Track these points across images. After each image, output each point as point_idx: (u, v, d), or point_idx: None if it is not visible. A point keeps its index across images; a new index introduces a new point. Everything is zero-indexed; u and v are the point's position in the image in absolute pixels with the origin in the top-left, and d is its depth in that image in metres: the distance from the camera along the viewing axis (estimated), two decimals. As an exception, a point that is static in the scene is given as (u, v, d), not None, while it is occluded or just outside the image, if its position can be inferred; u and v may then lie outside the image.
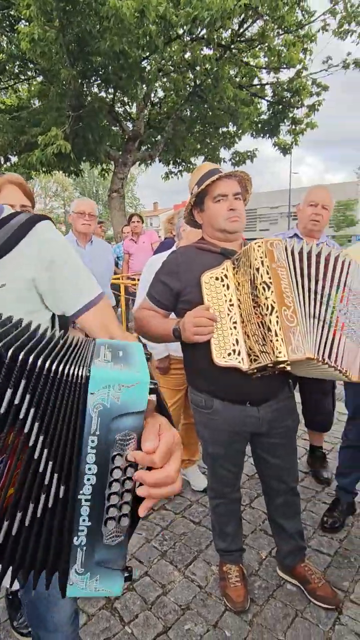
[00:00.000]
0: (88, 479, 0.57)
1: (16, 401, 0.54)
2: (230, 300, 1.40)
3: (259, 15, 8.02)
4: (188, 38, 7.89)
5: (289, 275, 1.29)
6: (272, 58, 8.86)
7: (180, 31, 5.99)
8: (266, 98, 10.25)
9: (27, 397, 0.54)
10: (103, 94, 8.89)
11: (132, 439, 0.58)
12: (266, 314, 1.25)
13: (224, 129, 10.54)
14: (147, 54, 7.16)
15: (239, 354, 1.35)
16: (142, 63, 7.82)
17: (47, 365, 0.56)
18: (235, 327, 1.37)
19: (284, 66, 9.07)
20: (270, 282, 1.25)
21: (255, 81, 10.12)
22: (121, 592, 0.60)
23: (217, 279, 1.44)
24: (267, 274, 1.26)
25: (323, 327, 1.28)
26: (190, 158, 11.45)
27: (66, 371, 0.56)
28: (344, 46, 9.28)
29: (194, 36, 7.26)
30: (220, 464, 1.74)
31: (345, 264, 1.35)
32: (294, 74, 9.49)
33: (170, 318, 1.60)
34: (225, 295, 1.41)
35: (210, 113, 9.45)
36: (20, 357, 0.54)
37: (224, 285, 1.42)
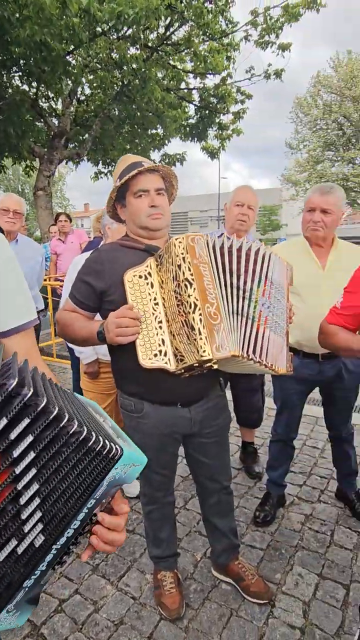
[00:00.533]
0: (68, 532, 0.58)
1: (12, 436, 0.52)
2: (155, 299, 1.35)
3: (184, 20, 8.13)
4: (114, 36, 7.77)
5: (211, 271, 1.27)
6: (198, 63, 9.03)
7: (106, 27, 5.85)
8: (193, 102, 10.42)
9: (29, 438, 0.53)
10: (26, 87, 8.44)
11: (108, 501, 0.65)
12: (189, 312, 1.21)
13: (153, 131, 10.53)
14: (72, 47, 6.91)
15: (165, 355, 1.31)
16: (67, 57, 7.54)
17: (91, 434, 0.56)
18: (160, 327, 1.33)
19: (210, 72, 9.29)
20: (193, 279, 1.22)
21: (183, 85, 10.25)
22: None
23: (140, 277, 1.38)
24: (189, 270, 1.23)
25: (246, 322, 1.28)
26: (119, 158, 11.27)
27: (101, 442, 0.57)
28: (266, 57, 9.74)
29: (120, 34, 7.16)
30: (152, 469, 1.68)
31: (265, 257, 1.37)
32: (220, 80, 9.75)
33: (95, 320, 1.51)
34: (149, 294, 1.36)
35: (139, 114, 9.39)
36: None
37: (148, 284, 1.37)
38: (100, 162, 11.36)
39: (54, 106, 10.16)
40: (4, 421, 0.50)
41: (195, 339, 1.19)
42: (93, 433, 0.56)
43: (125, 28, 6.32)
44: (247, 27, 9.12)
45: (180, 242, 1.26)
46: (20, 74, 7.67)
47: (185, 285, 1.23)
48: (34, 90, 8.49)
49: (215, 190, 41.65)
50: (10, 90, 7.81)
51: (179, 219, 52.33)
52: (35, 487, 0.54)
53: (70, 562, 2.09)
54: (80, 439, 0.55)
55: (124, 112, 9.78)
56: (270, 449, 2.45)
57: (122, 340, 1.29)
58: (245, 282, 1.31)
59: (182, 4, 7.77)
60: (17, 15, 5.89)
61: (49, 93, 9.21)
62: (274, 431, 2.40)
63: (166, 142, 10.74)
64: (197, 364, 1.20)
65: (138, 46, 7.74)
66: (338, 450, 2.41)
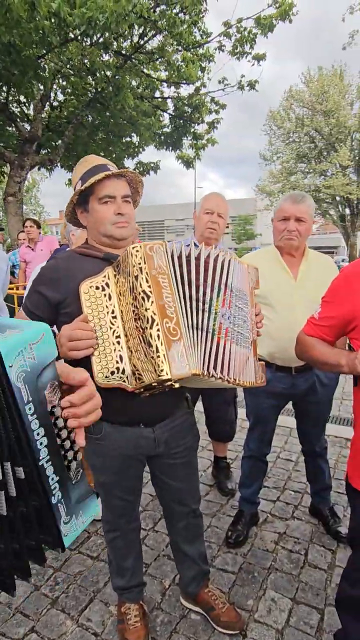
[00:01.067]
0: (40, 443, 0.58)
1: None
2: (113, 312, 1.24)
3: (158, 30, 8.14)
4: (87, 42, 7.69)
5: (170, 283, 1.16)
6: (172, 72, 9.05)
7: (77, 32, 5.75)
8: (168, 111, 10.44)
9: None
10: (-5, 90, 8.25)
11: (56, 387, 0.61)
12: (146, 328, 1.11)
13: (128, 139, 10.47)
14: (43, 52, 6.78)
15: (123, 372, 1.20)
16: (39, 62, 7.40)
17: None
18: (119, 342, 1.21)
19: (184, 82, 9.32)
20: (150, 292, 1.12)
21: (157, 94, 10.26)
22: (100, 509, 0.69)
23: (97, 288, 1.26)
24: (147, 282, 1.12)
25: (206, 337, 1.18)
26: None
27: None
28: (240, 68, 9.85)
29: (92, 40, 7.08)
30: (113, 494, 1.55)
31: (225, 264, 1.27)
32: (194, 90, 9.80)
33: None
34: (107, 307, 1.25)
35: (112, 121, 9.31)
36: None
37: (105, 295, 1.26)
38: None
39: (25, 111, 9.98)
40: None
41: (152, 357, 1.09)
42: None
43: (97, 34, 6.24)
44: (221, 38, 9.23)
45: (137, 250, 1.15)
46: (-11, 76, 7.46)
47: (143, 299, 1.12)
48: (4, 94, 8.28)
49: (192, 199, 41.99)
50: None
51: (155, 227, 52.41)
52: None
53: (27, 595, 1.93)
54: None
55: (97, 119, 9.70)
56: (242, 466, 2.35)
57: (76, 354, 1.18)
58: (204, 293, 1.21)
59: (156, 14, 7.77)
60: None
61: (20, 97, 9.02)
62: (246, 446, 2.31)
63: (140, 150, 10.69)
64: (155, 384, 1.09)
65: (111, 53, 7.67)
66: (312, 465, 2.34)
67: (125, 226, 1.41)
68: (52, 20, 5.42)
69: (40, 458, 0.58)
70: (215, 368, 1.16)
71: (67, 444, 0.63)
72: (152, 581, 2.00)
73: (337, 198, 27.90)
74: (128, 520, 1.64)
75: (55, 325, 1.44)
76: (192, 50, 9.18)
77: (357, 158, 26.78)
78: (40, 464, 0.58)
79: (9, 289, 5.10)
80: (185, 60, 9.05)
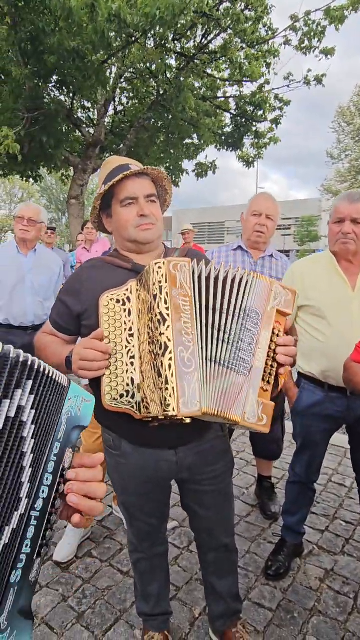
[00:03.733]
0: (42, 491, 0.56)
1: (23, 403, 0.55)
2: (131, 330, 1.13)
3: (221, 28, 7.99)
4: (150, 44, 7.74)
5: (192, 307, 1.03)
6: (234, 71, 8.85)
7: (138, 34, 5.79)
8: (230, 111, 10.24)
9: (32, 398, 0.56)
10: (63, 97, 8.57)
11: (72, 455, 0.62)
12: (159, 354, 0.98)
13: (188, 140, 10.43)
14: (106, 57, 6.92)
15: (132, 397, 1.09)
16: (102, 66, 7.58)
17: (45, 367, 0.58)
18: (132, 364, 1.11)
19: (246, 79, 9.08)
20: (168, 315, 0.99)
21: (219, 93, 10.11)
22: None
23: (118, 301, 1.17)
24: (165, 303, 1.00)
25: (223, 372, 1.02)
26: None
27: (54, 373, 0.60)
28: (306, 63, 9.43)
29: (154, 41, 7.11)
30: (135, 516, 1.45)
31: (242, 284, 1.09)
32: (257, 87, 9.52)
33: (70, 345, 1.31)
34: (125, 323, 1.14)
35: (174, 123, 9.30)
36: (28, 358, 0.55)
37: (125, 310, 1.16)
38: (135, 171, 11.38)
39: (91, 116, 10.30)
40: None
41: (161, 388, 0.96)
42: (48, 367, 0.59)
43: (156, 31, 6.17)
44: (287, 33, 8.87)
45: (159, 267, 1.03)
46: (56, 83, 7.78)
47: (159, 321, 1.00)
48: (70, 100, 8.60)
49: (253, 200, 41.22)
50: (48, 99, 7.93)
51: (215, 229, 52.21)
52: (32, 442, 0.56)
53: (54, 605, 1.89)
54: (57, 380, 0.60)
55: (159, 121, 9.75)
56: (287, 491, 2.15)
57: (85, 374, 1.09)
58: (226, 321, 1.05)
59: (219, 12, 7.63)
60: (52, 26, 5.96)
61: (85, 103, 9.32)
62: (292, 470, 2.10)
63: (200, 150, 10.60)
64: (161, 417, 0.97)
65: (173, 55, 7.66)
66: (366, 498, 2.08)
67: (150, 228, 1.30)
68: (113, 22, 5.49)
69: (35, 508, 0.55)
70: (226, 407, 1.00)
71: (53, 518, 0.58)
72: (181, 608, 1.87)
73: None
74: (152, 545, 1.53)
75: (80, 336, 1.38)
76: (256, 47, 8.91)
77: None
78: (30, 514, 0.54)
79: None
80: (248, 58, 8.81)
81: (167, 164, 11.09)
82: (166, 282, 1.03)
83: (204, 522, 1.48)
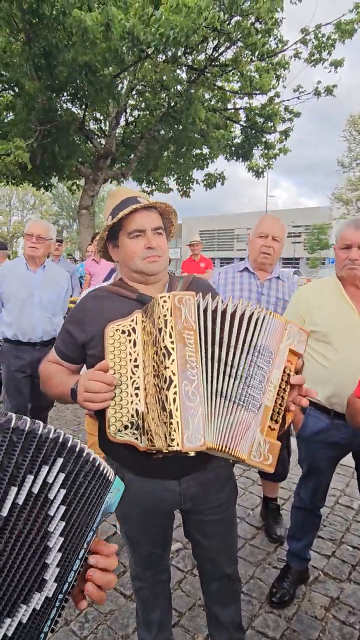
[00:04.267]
0: (70, 576, 0.59)
1: (49, 479, 0.57)
2: (136, 361, 1.14)
3: (232, 42, 8.07)
4: (161, 58, 7.84)
5: (197, 341, 1.03)
6: (245, 83, 8.92)
7: (150, 50, 5.88)
8: (239, 122, 10.30)
9: (61, 476, 0.59)
10: (75, 109, 8.71)
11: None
12: (163, 388, 0.99)
13: (197, 151, 10.51)
14: (118, 71, 7.03)
15: (137, 428, 1.09)
16: (114, 80, 7.69)
17: (85, 450, 0.61)
18: (137, 395, 1.11)
19: (257, 92, 9.14)
20: (173, 349, 1.00)
21: (230, 105, 10.19)
22: None
23: (123, 332, 1.18)
24: (170, 337, 1.01)
25: (229, 406, 1.02)
26: (162, 177, 11.37)
27: (98, 461, 0.63)
28: (315, 75, 9.46)
29: (165, 56, 7.21)
30: (138, 545, 1.45)
31: (258, 322, 1.09)
32: (267, 100, 9.57)
33: (75, 375, 1.32)
34: (130, 354, 1.15)
35: (184, 134, 9.38)
36: (60, 435, 0.58)
37: (130, 341, 1.16)
38: (144, 180, 11.50)
39: (103, 128, 10.44)
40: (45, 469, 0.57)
41: (165, 422, 0.97)
42: (97, 457, 0.63)
43: (169, 50, 6.32)
44: (297, 45, 8.93)
45: (165, 301, 1.04)
46: (68, 96, 7.91)
47: (164, 355, 1.00)
48: (82, 112, 8.73)
49: (263, 207, 41.27)
50: (60, 112, 8.07)
51: (225, 236, 52.32)
52: (61, 524, 0.59)
53: (57, 629, 1.88)
54: (101, 469, 0.63)
55: (169, 132, 9.84)
56: (292, 516, 2.13)
57: (90, 406, 1.10)
58: (234, 356, 1.06)
59: (230, 26, 7.71)
60: (66, 42, 6.07)
61: (97, 115, 9.45)
62: (297, 496, 2.08)
63: (210, 161, 10.67)
64: (165, 451, 0.97)
65: (184, 68, 7.74)
66: (373, 525, 2.05)
67: (156, 260, 1.32)
68: (126, 40, 5.59)
69: (62, 591, 0.58)
70: (231, 443, 1.00)
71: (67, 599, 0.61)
72: (183, 635, 1.86)
73: None
74: (155, 573, 1.52)
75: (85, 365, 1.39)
76: (266, 59, 8.98)
77: None
78: (58, 597, 0.58)
79: (73, 302, 5.28)
80: (258, 70, 8.87)
81: (177, 174, 11.18)
82: (171, 315, 1.04)
83: (207, 551, 1.47)
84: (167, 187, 11.55)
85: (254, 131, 10.22)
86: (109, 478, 0.66)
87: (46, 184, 9.95)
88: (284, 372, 1.07)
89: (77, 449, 0.61)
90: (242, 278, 2.33)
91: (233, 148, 10.65)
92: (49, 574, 0.58)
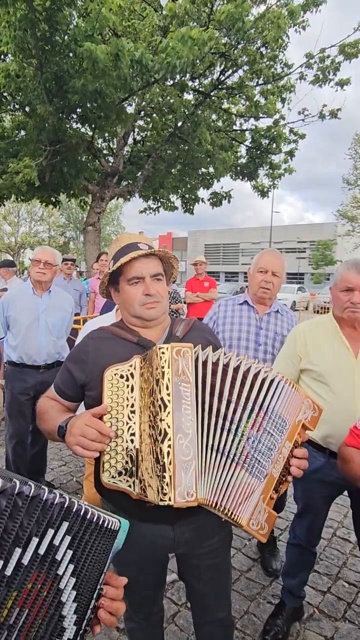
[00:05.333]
0: (85, 618, 0.70)
1: (56, 542, 0.64)
2: (133, 406, 1.17)
3: (237, 67, 8.26)
4: (169, 82, 8.04)
5: (193, 394, 1.07)
6: (251, 106, 9.10)
7: (158, 76, 6.05)
8: (245, 143, 10.48)
9: (67, 539, 0.66)
10: (83, 129, 8.92)
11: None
12: (158, 440, 1.02)
13: (203, 170, 10.67)
14: (126, 95, 7.23)
15: (131, 476, 1.12)
16: (123, 104, 7.89)
17: (89, 511, 0.69)
18: (132, 441, 1.14)
19: (262, 115, 9.32)
20: (169, 401, 1.03)
21: (236, 126, 10.38)
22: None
23: (122, 377, 1.21)
24: (167, 389, 1.04)
25: (225, 462, 1.05)
26: (168, 196, 11.53)
27: (102, 518, 0.71)
28: (320, 97, 9.62)
29: (172, 82, 7.40)
30: (130, 588, 1.46)
31: (266, 382, 1.12)
32: (272, 122, 9.75)
33: (68, 413, 1.34)
34: (127, 399, 1.18)
35: (190, 155, 9.56)
36: (66, 501, 0.65)
37: (128, 387, 1.20)
38: (151, 198, 11.67)
39: (111, 146, 10.65)
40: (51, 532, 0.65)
41: (158, 475, 1.00)
42: (101, 514, 0.72)
43: (175, 76, 6.51)
44: (303, 69, 9.11)
45: (163, 352, 1.08)
46: (78, 119, 8.10)
47: (160, 407, 1.04)
48: (90, 133, 8.92)
49: (268, 222, 41.57)
50: (69, 132, 8.26)
51: (230, 250, 52.60)
52: (72, 580, 0.67)
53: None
54: (105, 525, 0.72)
55: (175, 152, 10.03)
56: (287, 553, 2.13)
57: (80, 452, 1.11)
58: (235, 411, 1.09)
59: (235, 52, 7.90)
60: (77, 67, 6.26)
61: (105, 135, 9.66)
62: (292, 532, 2.08)
63: (215, 180, 10.82)
64: (158, 504, 1.00)
65: (187, 91, 7.92)
66: (368, 564, 2.04)
67: (154, 307, 1.35)
68: (135, 68, 5.76)
69: (82, 628, 0.69)
70: (224, 499, 1.03)
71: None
72: (176, 673, 1.85)
73: None
74: (147, 616, 1.53)
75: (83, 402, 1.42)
76: (272, 83, 9.18)
77: None
78: (78, 633, 0.69)
79: (75, 322, 5.34)
80: (264, 94, 9.06)
81: (183, 193, 11.34)
82: (169, 367, 1.07)
83: (199, 595, 1.47)
84: (172, 205, 11.71)
85: (259, 152, 10.39)
86: (114, 528, 0.74)
87: (54, 201, 10.13)
88: (294, 445, 1.10)
89: (82, 512, 0.68)
90: (242, 311, 2.37)
91: (238, 168, 10.81)
92: (67, 622, 0.67)
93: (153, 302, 1.34)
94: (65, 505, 0.65)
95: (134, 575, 1.41)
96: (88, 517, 0.68)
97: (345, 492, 2.02)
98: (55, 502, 0.64)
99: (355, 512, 2.00)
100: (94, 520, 0.69)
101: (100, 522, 0.70)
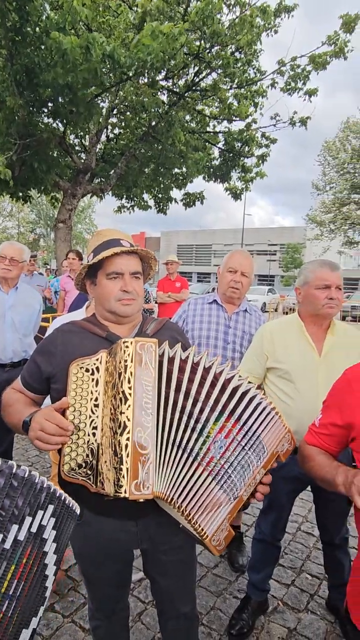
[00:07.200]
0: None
1: (44, 522, 0.74)
2: (96, 400, 1.17)
3: (211, 69, 8.33)
4: (143, 81, 8.01)
5: (156, 388, 1.08)
6: (224, 109, 9.19)
7: (131, 73, 6.02)
8: (218, 145, 10.58)
9: (52, 520, 0.77)
10: (55, 124, 8.74)
11: None
12: (117, 432, 1.02)
13: (177, 170, 10.69)
14: (99, 91, 7.14)
15: (90, 468, 1.12)
16: (96, 100, 7.79)
17: (68, 497, 0.82)
18: (94, 434, 1.14)
19: (235, 118, 9.43)
20: (130, 394, 1.03)
21: (209, 128, 10.46)
22: None
23: (87, 370, 1.21)
24: (129, 382, 1.04)
25: (186, 459, 1.06)
26: (142, 195, 11.48)
27: (73, 504, 0.86)
28: (292, 104, 9.85)
29: (148, 78, 7.38)
30: (95, 584, 1.45)
31: (247, 396, 1.13)
32: (244, 125, 9.88)
33: (33, 407, 1.33)
34: (92, 393, 1.18)
35: (163, 154, 9.55)
36: (51, 486, 0.77)
37: (93, 380, 1.19)
38: (124, 197, 11.58)
39: (84, 143, 10.49)
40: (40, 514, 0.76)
41: (115, 467, 1.00)
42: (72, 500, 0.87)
43: (148, 74, 6.49)
44: (274, 75, 9.29)
45: (127, 346, 1.08)
46: (49, 114, 7.94)
47: (121, 400, 1.04)
48: (62, 127, 8.76)
49: (240, 224, 42.11)
50: (40, 126, 8.08)
51: (203, 251, 52.97)
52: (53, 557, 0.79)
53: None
54: (75, 510, 0.87)
55: (149, 151, 9.99)
56: (253, 548, 2.17)
57: (42, 446, 1.11)
58: (201, 410, 1.09)
59: (210, 54, 7.97)
60: (48, 61, 6.14)
61: (78, 131, 9.51)
62: (258, 528, 2.12)
63: (188, 181, 10.86)
64: (113, 496, 1.01)
65: (164, 92, 7.93)
66: (329, 557, 2.11)
67: (129, 304, 1.36)
68: (106, 62, 5.70)
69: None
70: (180, 496, 1.04)
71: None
72: (141, 671, 1.85)
73: (392, 231, 26.85)
74: (112, 612, 1.52)
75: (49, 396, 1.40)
76: (245, 87, 9.30)
77: None
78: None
79: (45, 319, 5.24)
80: (237, 97, 9.17)
81: (156, 193, 11.32)
82: (132, 361, 1.07)
83: (165, 590, 1.48)
84: (145, 203, 11.66)
85: (231, 154, 10.51)
86: (78, 513, 0.87)
87: (24, 196, 9.89)
88: (265, 473, 1.13)
89: (63, 497, 0.80)
90: (211, 310, 2.39)
91: (211, 170, 10.89)
92: (47, 593, 0.77)
93: (129, 299, 1.35)
94: (51, 490, 0.76)
95: (98, 571, 1.41)
96: (67, 502, 0.80)
97: (308, 487, 2.07)
98: (44, 486, 0.73)
99: (317, 507, 2.06)
100: (71, 505, 0.82)
101: (74, 508, 0.83)
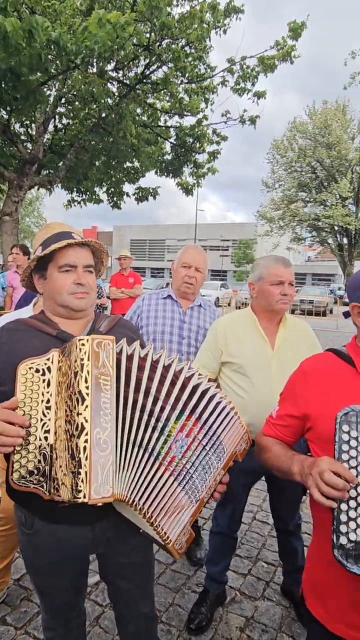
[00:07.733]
0: None
1: None
2: (48, 402, 1.11)
3: (162, 62, 8.26)
4: (92, 70, 7.78)
5: (114, 387, 1.04)
6: (175, 103, 9.16)
7: (78, 61, 5.81)
8: (170, 140, 10.54)
9: None
10: (-1, 112, 8.29)
11: None
12: (74, 435, 0.97)
13: (129, 164, 10.54)
14: (46, 79, 6.84)
15: (43, 475, 1.06)
16: (42, 88, 7.47)
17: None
18: (46, 439, 1.08)
19: (186, 113, 9.43)
20: (87, 394, 0.98)
21: (161, 122, 10.39)
22: None
23: (37, 371, 1.14)
24: (86, 382, 0.99)
25: (147, 459, 1.04)
26: (93, 188, 11.21)
27: None
28: (242, 102, 10.01)
29: (97, 68, 7.17)
30: (48, 595, 1.39)
31: (207, 394, 1.12)
32: (195, 121, 9.91)
33: None
34: (43, 394, 1.11)
35: (115, 147, 9.36)
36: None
37: (44, 381, 1.13)
38: (75, 190, 11.25)
39: (30, 132, 10.05)
40: None
41: (73, 472, 0.95)
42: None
43: (96, 63, 6.31)
44: (225, 73, 9.38)
45: (83, 344, 1.03)
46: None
47: (77, 400, 0.99)
48: (7, 115, 8.33)
49: (192, 220, 42.42)
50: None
51: (156, 246, 52.82)
52: None
53: None
54: None
55: (99, 144, 9.76)
56: (210, 541, 2.18)
57: None
58: (162, 409, 1.07)
59: (160, 47, 7.89)
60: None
61: (23, 119, 9.09)
62: (215, 521, 2.14)
63: (141, 175, 10.74)
64: (71, 502, 0.96)
65: (114, 83, 7.75)
66: (284, 544, 2.17)
67: (84, 297, 1.30)
68: (52, 48, 5.47)
69: None
70: (142, 498, 1.01)
71: None
72: None
73: (336, 228, 28.24)
74: (67, 621, 1.46)
75: None
76: (196, 82, 9.32)
77: (356, 190, 27.18)
78: None
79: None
80: (188, 92, 9.17)
81: (108, 186, 11.10)
82: (88, 360, 1.02)
83: (123, 593, 1.44)
84: (97, 197, 11.40)
85: (183, 150, 10.51)
86: None
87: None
88: (225, 473, 1.13)
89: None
90: (166, 305, 2.37)
91: (164, 164, 10.84)
92: None
93: (83, 292, 1.29)
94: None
95: (50, 580, 1.34)
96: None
97: (263, 478, 2.12)
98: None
99: (271, 495, 2.11)
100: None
101: None
